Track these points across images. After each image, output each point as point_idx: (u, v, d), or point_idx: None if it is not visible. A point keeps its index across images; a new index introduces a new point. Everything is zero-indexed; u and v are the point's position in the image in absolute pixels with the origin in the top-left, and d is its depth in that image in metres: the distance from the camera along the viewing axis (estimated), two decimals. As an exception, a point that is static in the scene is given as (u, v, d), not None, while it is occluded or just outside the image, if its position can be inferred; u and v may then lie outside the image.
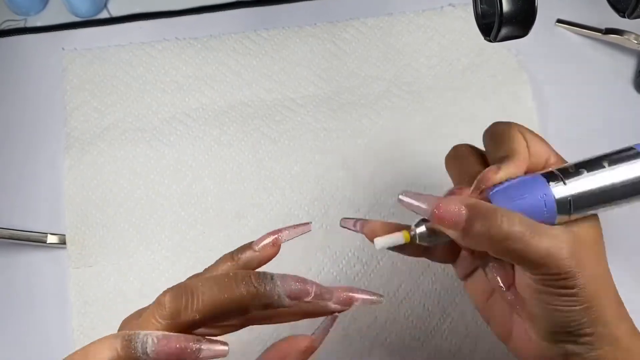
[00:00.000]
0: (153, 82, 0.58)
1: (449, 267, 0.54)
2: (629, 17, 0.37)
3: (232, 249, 0.36)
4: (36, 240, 0.53)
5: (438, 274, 0.54)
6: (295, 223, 0.37)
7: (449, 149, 0.57)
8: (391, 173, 0.56)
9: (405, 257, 0.54)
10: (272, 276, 0.31)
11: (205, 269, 0.36)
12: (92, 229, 0.53)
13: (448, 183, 0.55)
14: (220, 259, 0.36)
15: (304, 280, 0.31)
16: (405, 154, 0.56)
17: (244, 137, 0.56)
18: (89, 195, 0.54)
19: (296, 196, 0.55)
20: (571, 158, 0.57)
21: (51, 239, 0.53)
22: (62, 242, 0.53)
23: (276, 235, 0.36)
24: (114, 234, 0.53)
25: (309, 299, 0.31)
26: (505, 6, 0.35)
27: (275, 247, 0.35)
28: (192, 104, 0.57)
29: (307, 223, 0.37)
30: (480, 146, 0.56)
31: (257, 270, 0.33)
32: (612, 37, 0.60)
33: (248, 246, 0.36)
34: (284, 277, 0.31)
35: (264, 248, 0.35)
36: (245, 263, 0.35)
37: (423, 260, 0.54)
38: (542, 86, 0.60)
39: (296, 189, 0.55)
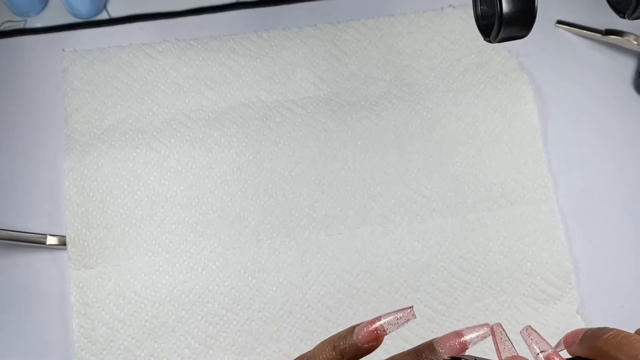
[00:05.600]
0: (153, 84, 0.58)
1: (449, 268, 0.54)
2: (628, 18, 0.37)
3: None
4: (36, 242, 0.53)
5: (439, 274, 0.54)
6: (396, 309, 0.34)
7: (450, 150, 0.57)
8: (392, 174, 0.56)
9: (407, 258, 0.54)
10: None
11: (305, 356, 0.34)
12: (93, 230, 0.53)
13: (447, 183, 0.56)
14: (322, 343, 0.34)
15: (456, 334, 0.33)
16: (405, 155, 0.56)
17: (245, 138, 0.56)
18: (89, 197, 0.54)
19: (297, 198, 0.55)
20: (571, 159, 0.58)
21: (51, 240, 0.53)
22: (62, 243, 0.53)
23: (375, 326, 0.33)
24: (114, 235, 0.53)
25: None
26: (505, 7, 0.35)
27: (379, 340, 0.33)
28: (192, 106, 0.57)
29: (410, 308, 0.34)
30: (481, 148, 0.57)
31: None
32: (612, 38, 0.60)
33: (350, 332, 0.34)
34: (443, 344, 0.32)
35: (364, 339, 0.33)
36: (345, 351, 0.33)
37: (424, 260, 0.54)
38: (543, 87, 0.60)
39: (297, 190, 0.55)
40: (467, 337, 0.32)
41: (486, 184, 0.56)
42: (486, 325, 0.33)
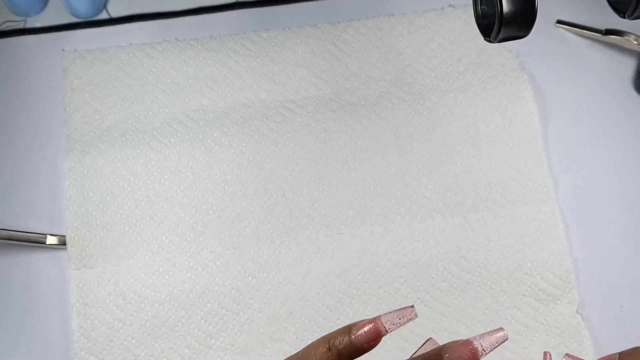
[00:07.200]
0: (153, 83, 0.58)
1: (450, 268, 0.54)
2: (629, 18, 0.37)
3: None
4: (35, 242, 0.53)
5: (439, 274, 0.54)
6: (397, 308, 0.33)
7: (450, 150, 0.57)
8: (392, 174, 0.56)
9: (407, 258, 0.54)
10: None
11: (300, 353, 0.33)
12: (93, 230, 0.53)
13: (447, 183, 0.55)
14: (316, 342, 0.33)
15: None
16: (405, 155, 0.56)
17: (245, 138, 0.56)
18: (89, 197, 0.54)
19: (297, 197, 0.55)
20: (571, 159, 0.58)
21: (51, 240, 0.53)
22: (62, 243, 0.53)
23: (376, 324, 0.32)
24: (114, 235, 0.53)
25: None
26: (505, 7, 0.35)
27: (377, 340, 0.32)
28: (192, 105, 0.57)
29: (412, 307, 0.33)
30: (481, 148, 0.57)
31: None
32: (612, 38, 0.60)
33: (347, 332, 0.32)
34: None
35: (363, 338, 0.32)
36: (342, 352, 0.32)
37: (424, 261, 0.54)
38: (543, 87, 0.60)
39: (297, 190, 0.55)
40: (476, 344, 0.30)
41: (486, 184, 0.56)
42: (501, 329, 0.30)
